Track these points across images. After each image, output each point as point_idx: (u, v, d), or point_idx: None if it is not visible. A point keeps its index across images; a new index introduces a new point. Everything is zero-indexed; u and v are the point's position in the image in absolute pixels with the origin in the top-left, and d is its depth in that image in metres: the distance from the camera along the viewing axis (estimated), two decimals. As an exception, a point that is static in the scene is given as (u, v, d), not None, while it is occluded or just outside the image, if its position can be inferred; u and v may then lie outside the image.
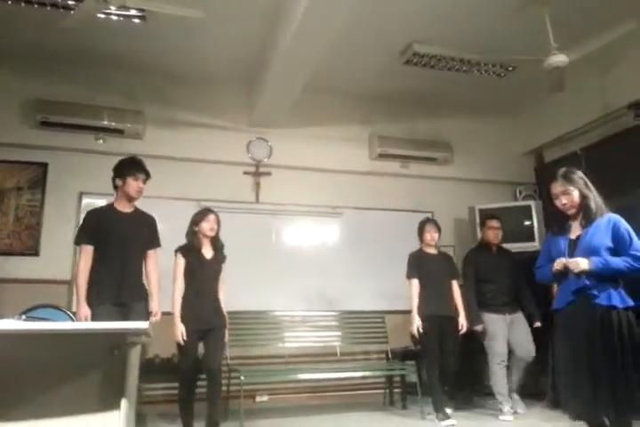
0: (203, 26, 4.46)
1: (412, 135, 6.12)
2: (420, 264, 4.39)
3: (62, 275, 4.86)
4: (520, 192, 6.30)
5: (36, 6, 4.30)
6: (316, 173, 5.80)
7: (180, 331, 3.44)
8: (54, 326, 1.60)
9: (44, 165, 5.14)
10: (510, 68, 5.39)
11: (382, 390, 5.11)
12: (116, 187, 3.54)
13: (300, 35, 4.08)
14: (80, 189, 5.17)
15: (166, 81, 5.49)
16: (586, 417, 2.55)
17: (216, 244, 3.77)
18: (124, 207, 3.50)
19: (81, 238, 3.39)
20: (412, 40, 4.91)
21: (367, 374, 5.04)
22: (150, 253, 3.57)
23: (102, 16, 4.37)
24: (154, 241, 3.60)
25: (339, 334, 5.19)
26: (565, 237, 2.82)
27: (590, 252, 2.67)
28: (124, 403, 1.56)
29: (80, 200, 5.16)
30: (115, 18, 4.48)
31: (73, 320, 3.61)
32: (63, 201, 5.12)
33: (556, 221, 2.91)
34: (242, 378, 4.14)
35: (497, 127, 6.50)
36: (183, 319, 3.49)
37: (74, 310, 3.59)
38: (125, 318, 3.11)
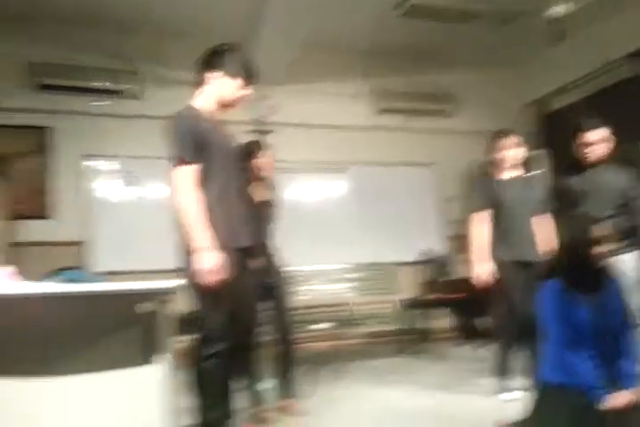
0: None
1: (414, 88, 6.09)
2: (490, 194, 3.29)
3: (73, 236, 4.90)
4: (523, 143, 6.33)
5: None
6: (319, 129, 5.78)
7: None
8: (97, 287, 1.65)
9: (47, 129, 5.09)
10: (510, 19, 5.33)
11: (395, 338, 5.24)
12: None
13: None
14: (82, 151, 5.14)
15: (161, 39, 5.38)
16: None
17: (269, 185, 3.23)
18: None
19: None
20: (411, -9, 4.83)
21: (382, 323, 5.16)
22: None
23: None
24: None
25: (350, 285, 5.30)
26: None
27: None
28: (160, 357, 1.62)
29: (82, 162, 5.13)
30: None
31: (98, 281, 3.60)
32: (67, 164, 5.10)
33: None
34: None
35: (499, 78, 6.46)
36: None
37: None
38: None
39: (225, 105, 2.43)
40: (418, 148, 6.10)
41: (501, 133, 3.35)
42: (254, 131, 5.64)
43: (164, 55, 5.40)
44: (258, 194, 3.07)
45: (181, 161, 2.21)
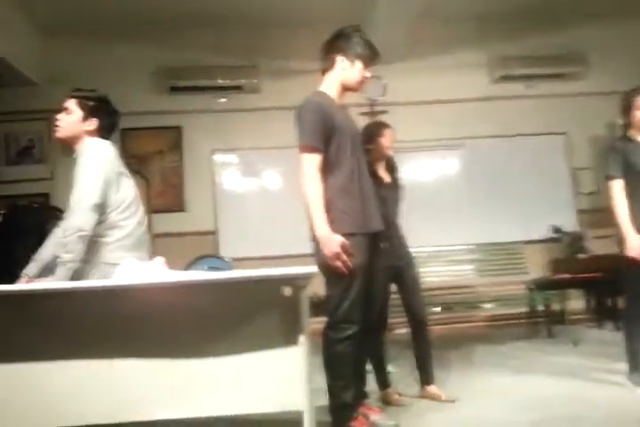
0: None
1: (537, 52, 5.61)
2: (627, 158, 2.95)
3: (207, 226, 5.34)
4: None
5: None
6: (432, 105, 5.61)
7: None
8: (244, 273, 1.81)
9: (179, 128, 5.56)
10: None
11: (523, 321, 5.01)
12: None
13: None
14: (211, 146, 5.54)
15: (275, 31, 5.54)
16: None
17: (392, 165, 3.15)
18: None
19: None
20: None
21: (510, 305, 4.96)
22: None
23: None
24: None
25: (473, 267, 5.14)
26: None
27: None
28: (301, 339, 1.75)
29: (213, 157, 5.53)
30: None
31: (232, 268, 3.75)
32: (199, 159, 5.56)
33: None
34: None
35: (635, 30, 5.71)
36: None
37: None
38: None
39: (349, 88, 2.44)
40: (543, 116, 5.65)
41: (635, 91, 2.98)
42: (367, 113, 5.63)
43: (279, 47, 5.58)
44: (384, 175, 3.06)
45: (309, 148, 2.25)
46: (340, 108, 2.40)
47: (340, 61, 2.38)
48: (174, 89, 5.44)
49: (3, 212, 4.34)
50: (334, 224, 2.22)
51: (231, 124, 5.57)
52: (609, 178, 2.97)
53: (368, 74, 2.42)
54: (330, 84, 2.42)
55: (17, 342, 1.78)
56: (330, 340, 2.25)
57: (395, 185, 3.11)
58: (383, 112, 5.60)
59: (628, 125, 3.04)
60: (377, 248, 2.40)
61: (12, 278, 2.36)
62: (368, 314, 2.34)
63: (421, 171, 5.65)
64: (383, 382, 2.95)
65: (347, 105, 2.54)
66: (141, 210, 2.42)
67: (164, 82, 5.41)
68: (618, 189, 2.93)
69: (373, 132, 3.04)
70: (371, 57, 2.41)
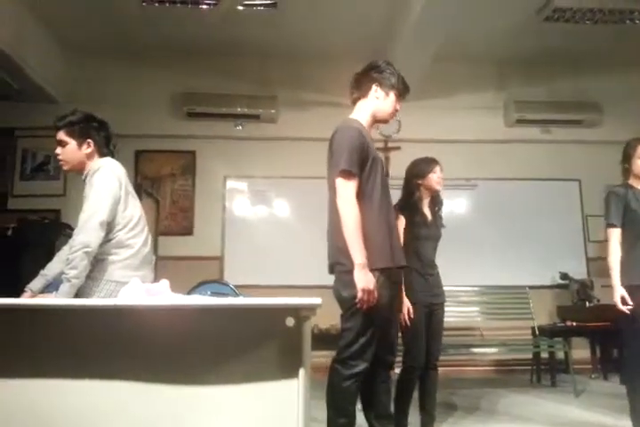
0: (330, 7, 4.51)
1: (553, 97, 5.69)
2: (629, 205, 2.93)
3: (213, 251, 5.34)
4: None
5: (178, 5, 4.65)
6: (447, 144, 5.63)
7: None
8: (246, 301, 1.79)
9: (193, 153, 5.62)
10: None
11: (527, 367, 4.90)
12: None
13: (430, 2, 3.96)
14: (224, 173, 5.58)
15: (295, 64, 5.65)
16: None
17: (436, 202, 3.14)
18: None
19: None
20: (552, -6, 4.54)
21: (514, 350, 4.86)
22: None
23: (241, 8, 4.60)
24: None
25: (479, 309, 5.05)
26: None
27: None
28: (302, 372, 1.69)
29: (225, 183, 5.57)
30: (248, 7, 4.68)
31: (237, 294, 3.72)
32: (211, 185, 5.59)
33: None
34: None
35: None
36: None
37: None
38: None
39: (380, 120, 2.45)
40: (558, 161, 5.67)
41: (637, 140, 3.04)
42: (381, 148, 5.68)
43: (298, 79, 5.68)
44: (427, 212, 3.06)
45: (346, 173, 2.19)
46: (370, 138, 2.39)
47: (375, 91, 2.39)
48: (192, 114, 5.52)
49: (12, 226, 4.36)
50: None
51: (245, 152, 5.62)
52: (609, 226, 2.95)
53: (398, 106, 2.44)
54: (362, 114, 2.41)
55: (14, 357, 1.75)
56: (338, 375, 2.18)
57: (436, 222, 3.11)
58: (396, 148, 5.66)
59: (628, 173, 3.04)
60: (400, 285, 2.35)
61: (17, 292, 2.35)
62: (380, 351, 2.25)
63: (432, 209, 5.63)
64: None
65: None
66: (147, 230, 2.45)
67: (182, 107, 5.49)
68: (614, 237, 2.92)
69: (425, 167, 3.05)
70: (403, 90, 2.43)
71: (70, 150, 2.38)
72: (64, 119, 2.41)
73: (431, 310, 2.90)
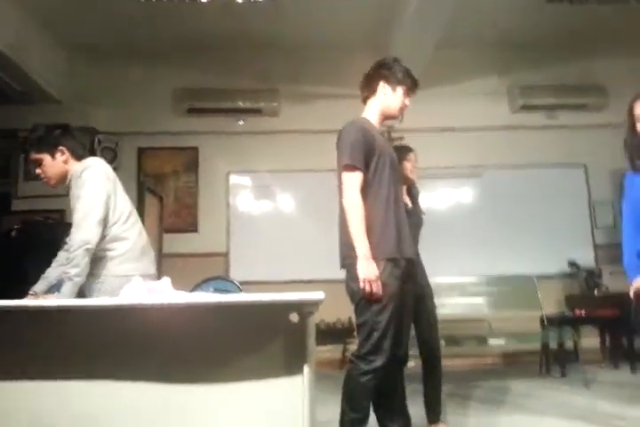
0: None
1: (559, 81, 5.59)
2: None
3: (219, 248, 5.33)
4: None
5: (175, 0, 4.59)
6: (450, 133, 5.59)
7: None
8: (248, 297, 1.77)
9: (195, 149, 5.60)
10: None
11: (536, 358, 4.86)
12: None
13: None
14: (227, 168, 5.56)
15: (296, 56, 5.60)
16: None
17: (412, 191, 3.07)
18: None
19: None
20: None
21: (522, 341, 4.83)
22: None
23: (240, 1, 4.54)
24: None
25: (487, 299, 5.02)
26: None
27: None
28: (306, 368, 1.68)
29: (228, 178, 5.54)
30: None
31: (241, 290, 3.71)
32: (214, 180, 5.58)
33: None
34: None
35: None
36: None
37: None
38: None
39: (389, 115, 2.46)
40: (564, 146, 5.59)
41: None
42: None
43: (299, 71, 5.63)
44: (406, 200, 2.93)
45: (350, 167, 2.23)
46: (380, 134, 2.41)
47: (382, 87, 2.41)
48: (193, 110, 5.50)
49: (17, 226, 4.37)
50: (370, 249, 2.15)
51: (248, 147, 5.60)
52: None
53: (407, 102, 2.44)
54: (371, 112, 2.44)
55: (20, 358, 1.75)
56: (356, 370, 2.16)
57: (416, 210, 3.02)
58: (400, 138, 5.60)
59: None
60: (410, 276, 2.33)
61: (21, 294, 2.35)
62: (399, 346, 2.25)
63: (437, 199, 5.58)
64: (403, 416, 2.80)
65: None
66: (139, 221, 2.47)
67: (183, 103, 5.48)
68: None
69: (397, 155, 2.95)
70: (411, 84, 2.44)
71: (48, 165, 2.39)
72: (28, 140, 2.43)
73: (416, 301, 2.78)
